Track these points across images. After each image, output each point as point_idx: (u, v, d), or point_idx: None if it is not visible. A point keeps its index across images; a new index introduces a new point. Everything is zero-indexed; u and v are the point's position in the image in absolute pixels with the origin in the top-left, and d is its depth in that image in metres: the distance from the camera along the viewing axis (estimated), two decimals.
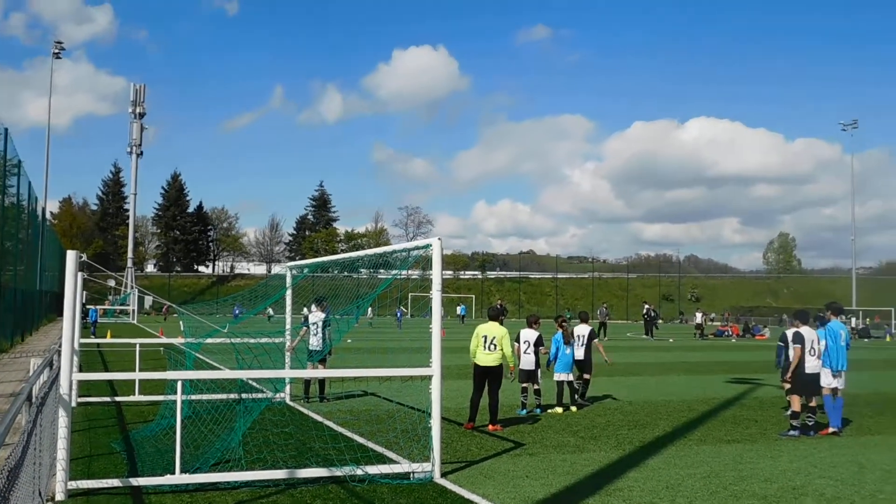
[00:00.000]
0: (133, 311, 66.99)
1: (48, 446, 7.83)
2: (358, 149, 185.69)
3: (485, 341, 12.64)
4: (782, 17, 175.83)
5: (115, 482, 8.16)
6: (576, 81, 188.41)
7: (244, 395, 13.83)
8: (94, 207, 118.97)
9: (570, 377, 15.02)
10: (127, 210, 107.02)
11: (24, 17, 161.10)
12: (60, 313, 9.80)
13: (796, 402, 12.57)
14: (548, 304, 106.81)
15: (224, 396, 13.18)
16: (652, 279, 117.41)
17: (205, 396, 12.72)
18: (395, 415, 13.32)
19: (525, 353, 14.25)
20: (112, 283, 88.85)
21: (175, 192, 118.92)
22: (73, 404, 11.42)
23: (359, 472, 8.77)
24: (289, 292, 15.47)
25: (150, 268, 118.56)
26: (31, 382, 7.73)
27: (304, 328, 15.67)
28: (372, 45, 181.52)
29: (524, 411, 14.23)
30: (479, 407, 12.70)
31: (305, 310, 15.83)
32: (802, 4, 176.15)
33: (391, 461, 9.60)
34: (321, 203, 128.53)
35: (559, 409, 14.55)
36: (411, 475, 8.89)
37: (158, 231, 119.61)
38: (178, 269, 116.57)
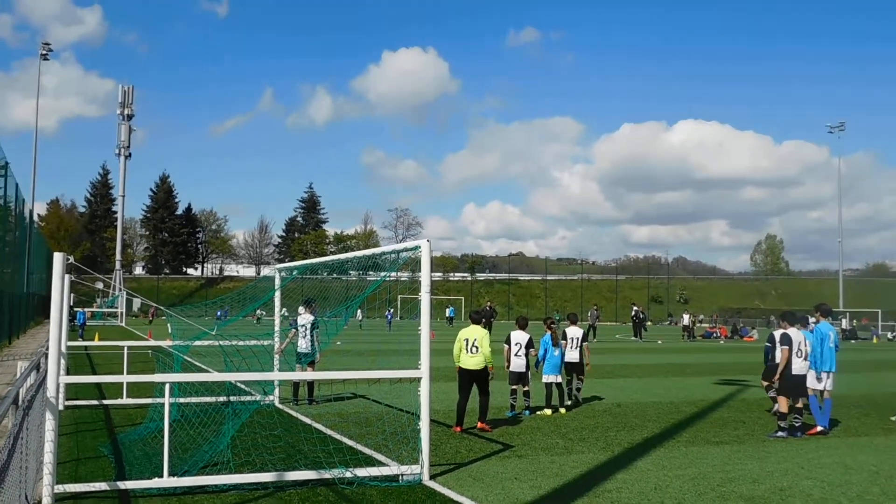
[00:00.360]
0: (121, 313, 66.73)
1: (35, 450, 7.80)
2: (347, 151, 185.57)
3: (467, 344, 12.68)
4: (770, 20, 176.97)
5: (103, 486, 8.13)
6: (565, 84, 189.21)
7: (233, 398, 13.83)
8: (82, 210, 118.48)
9: (559, 379, 15.05)
10: (115, 212, 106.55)
11: (11, 18, 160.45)
12: (47, 316, 9.75)
13: (784, 404, 12.64)
14: (537, 306, 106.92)
15: (213, 399, 13.15)
16: (641, 281, 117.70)
17: (193, 399, 12.68)
18: (384, 417, 13.32)
19: (516, 355, 14.26)
20: (100, 285, 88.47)
21: (164, 195, 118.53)
22: (61, 407, 11.35)
23: (348, 474, 8.76)
24: (278, 294, 15.44)
25: (138, 270, 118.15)
26: (18, 385, 7.68)
27: (293, 330, 15.64)
28: (362, 46, 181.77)
29: (512, 413, 14.25)
30: (466, 411, 12.72)
31: (284, 310, 15.78)
32: (790, 8, 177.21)
33: (380, 463, 9.60)
34: (310, 205, 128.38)
35: (548, 411, 14.58)
36: (400, 477, 8.89)
37: (147, 233, 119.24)
38: (167, 271, 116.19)
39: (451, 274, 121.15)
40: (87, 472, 9.09)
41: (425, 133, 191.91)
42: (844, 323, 61.28)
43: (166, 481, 8.15)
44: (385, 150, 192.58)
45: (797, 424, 12.65)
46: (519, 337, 14.36)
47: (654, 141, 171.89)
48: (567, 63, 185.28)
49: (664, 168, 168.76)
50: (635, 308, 53.50)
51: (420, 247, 9.37)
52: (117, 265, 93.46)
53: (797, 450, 11.41)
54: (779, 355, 13.36)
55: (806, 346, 12.92)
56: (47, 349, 8.76)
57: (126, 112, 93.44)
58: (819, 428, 12.88)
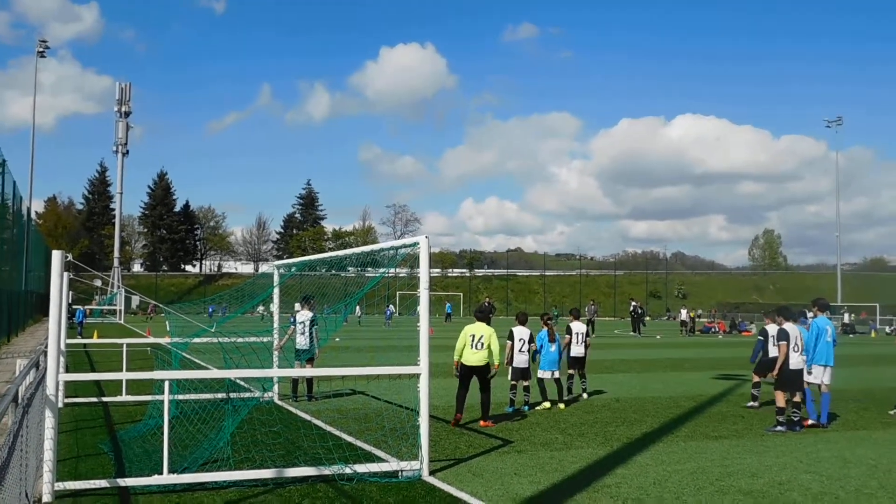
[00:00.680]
0: (120, 310, 66.71)
1: (35, 447, 7.80)
2: (345, 147, 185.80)
3: (472, 340, 12.69)
4: (769, 15, 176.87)
5: (103, 483, 8.14)
6: (563, 79, 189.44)
7: (232, 395, 13.83)
8: (80, 207, 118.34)
9: (557, 374, 15.07)
10: (113, 209, 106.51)
11: (8, 16, 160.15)
12: (46, 314, 9.75)
13: (780, 398, 12.66)
14: (535, 301, 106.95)
15: (212, 396, 13.16)
16: (639, 276, 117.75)
17: (192, 396, 12.69)
18: (383, 413, 13.33)
19: (520, 351, 14.30)
20: (98, 282, 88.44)
21: (161, 192, 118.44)
22: (60, 405, 11.36)
23: (347, 470, 8.77)
24: (276, 291, 15.45)
25: (136, 267, 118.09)
26: (17, 383, 7.68)
27: (292, 327, 15.65)
28: (359, 43, 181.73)
29: (512, 408, 14.29)
30: (465, 402, 12.76)
31: (297, 304, 15.80)
32: (789, 4, 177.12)
33: (379, 459, 9.61)
34: (309, 201, 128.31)
35: (547, 404, 14.63)
36: (400, 473, 8.90)
37: (145, 230, 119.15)
38: (165, 268, 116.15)
39: (450, 270, 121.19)
40: (87, 469, 9.10)
41: (423, 129, 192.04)
42: (847, 318, 61.31)
43: (166, 478, 8.16)
44: (383, 146, 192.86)
45: (795, 419, 12.68)
46: (522, 332, 14.39)
47: (653, 136, 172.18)
48: (565, 58, 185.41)
49: (662, 163, 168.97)
50: (634, 303, 53.52)
51: (418, 243, 9.37)
52: (115, 262, 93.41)
53: (796, 444, 11.44)
54: (772, 350, 13.40)
55: (801, 340, 12.95)
56: (46, 347, 8.76)
57: (123, 109, 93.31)
58: (811, 421, 12.93)
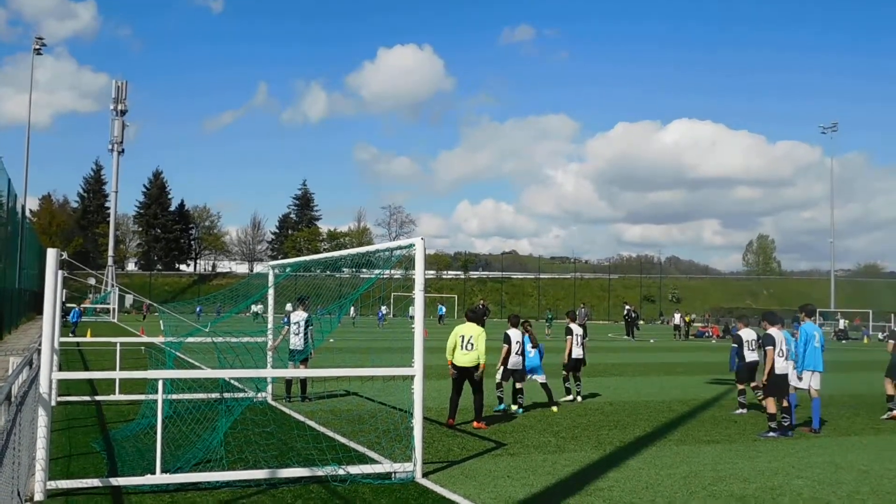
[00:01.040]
0: (113, 309, 66.56)
1: (27, 446, 7.79)
2: (341, 147, 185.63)
3: (462, 341, 12.72)
4: (765, 22, 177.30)
5: (95, 482, 8.13)
6: (560, 81, 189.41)
7: (226, 395, 13.81)
8: (75, 205, 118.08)
9: (542, 379, 15.05)
10: (108, 208, 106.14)
11: (4, 12, 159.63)
12: (40, 312, 9.73)
13: (772, 405, 12.70)
14: (529, 304, 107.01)
15: (205, 396, 13.14)
16: (633, 280, 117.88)
17: (186, 396, 12.66)
18: (377, 415, 13.33)
19: (516, 353, 14.33)
20: (92, 281, 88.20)
21: (157, 190, 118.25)
22: (53, 403, 11.35)
23: (340, 471, 8.78)
24: (271, 291, 15.43)
25: (130, 266, 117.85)
26: (11, 381, 7.68)
27: (286, 327, 15.64)
28: (357, 43, 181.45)
29: (502, 407, 14.32)
30: (458, 405, 12.79)
31: (289, 305, 15.81)
32: (784, 9, 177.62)
33: (373, 461, 9.62)
34: (304, 202, 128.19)
35: (513, 408, 14.66)
36: (393, 475, 8.91)
37: (140, 229, 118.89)
38: (160, 267, 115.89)
39: (444, 272, 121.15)
40: (80, 468, 9.09)
41: (419, 130, 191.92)
42: (842, 323, 61.43)
43: (159, 478, 8.16)
44: (379, 147, 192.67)
45: (786, 423, 12.73)
46: (516, 335, 14.43)
47: (648, 140, 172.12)
48: (562, 61, 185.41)
49: (658, 167, 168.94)
50: (627, 307, 53.62)
51: (414, 245, 9.38)
52: (110, 261, 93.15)
53: (788, 449, 11.47)
54: (748, 354, 13.45)
55: (786, 345, 13.04)
56: (40, 345, 8.75)
57: (119, 108, 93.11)
58: (805, 429, 13.02)
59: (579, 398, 16.37)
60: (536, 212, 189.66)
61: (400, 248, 10.11)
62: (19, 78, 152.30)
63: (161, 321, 29.50)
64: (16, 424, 6.35)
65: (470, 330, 12.80)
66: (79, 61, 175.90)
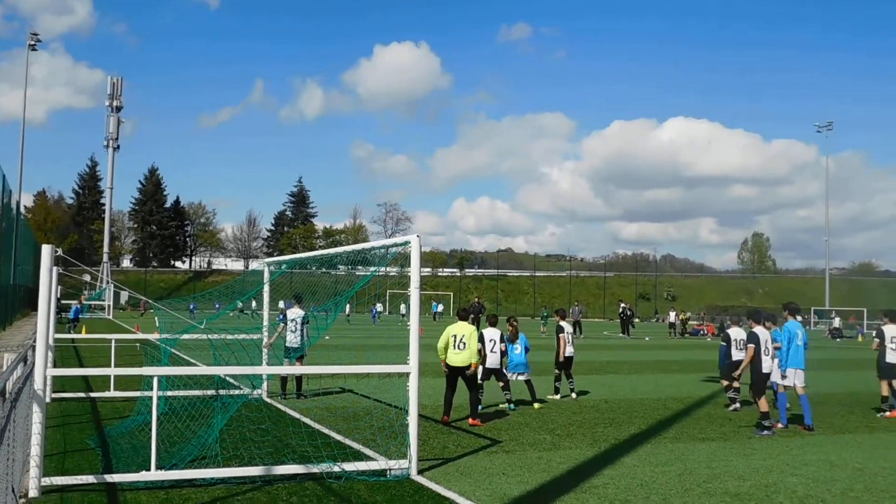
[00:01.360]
0: (109, 306, 66.42)
1: (22, 442, 7.78)
2: (337, 145, 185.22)
3: (455, 340, 12.73)
4: (761, 21, 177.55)
5: (90, 479, 8.12)
6: (557, 80, 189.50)
7: (221, 392, 13.80)
8: (70, 201, 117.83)
9: (525, 376, 15.04)
10: (103, 204, 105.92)
11: (0, 8, 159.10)
12: (34, 308, 9.71)
13: (763, 403, 12.76)
14: (525, 302, 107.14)
15: (201, 393, 13.13)
16: (629, 278, 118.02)
17: (181, 393, 12.66)
18: (372, 412, 13.33)
19: (492, 351, 14.25)
20: (87, 277, 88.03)
21: (152, 187, 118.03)
22: (48, 400, 11.34)
23: (335, 469, 8.78)
24: (266, 288, 15.43)
25: (126, 263, 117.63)
26: (5, 378, 7.65)
27: (282, 325, 15.63)
28: (353, 40, 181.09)
29: (512, 406, 14.37)
30: (453, 402, 12.80)
31: (282, 303, 15.80)
32: (782, 8, 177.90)
33: (368, 458, 9.62)
34: (300, 199, 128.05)
35: (503, 405, 14.67)
36: (388, 472, 8.91)
37: (135, 226, 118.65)
38: (155, 264, 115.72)
39: (440, 269, 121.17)
40: (74, 464, 9.08)
41: (416, 128, 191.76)
42: (837, 322, 61.56)
43: (154, 474, 8.15)
44: (375, 144, 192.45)
45: (766, 423, 12.85)
46: (492, 333, 14.35)
47: (645, 138, 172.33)
48: (559, 59, 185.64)
49: (654, 165, 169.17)
50: (623, 305, 53.68)
51: (410, 242, 9.38)
52: (105, 257, 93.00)
53: (782, 447, 11.50)
54: (735, 353, 13.54)
55: (771, 344, 13.13)
56: (34, 341, 8.73)
57: (115, 104, 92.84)
58: (780, 424, 13.10)
59: (573, 395, 16.39)
60: (532, 210, 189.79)
61: (395, 245, 10.11)
62: (14, 74, 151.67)
63: (156, 318, 29.46)
64: (10, 421, 6.34)
65: (462, 329, 12.81)
66: (74, 57, 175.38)
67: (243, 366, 12.02)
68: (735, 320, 14.75)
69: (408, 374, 9.24)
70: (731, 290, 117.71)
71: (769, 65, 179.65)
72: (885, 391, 14.96)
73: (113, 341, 16.32)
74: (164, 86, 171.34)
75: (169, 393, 11.87)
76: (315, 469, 8.77)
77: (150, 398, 8.62)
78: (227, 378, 16.11)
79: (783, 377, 13.27)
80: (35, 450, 7.58)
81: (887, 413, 14.72)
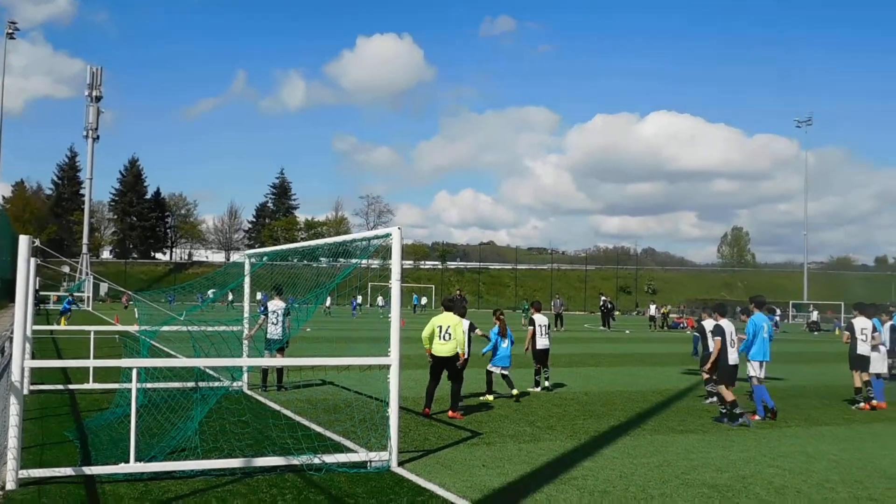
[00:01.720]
0: (88, 297, 65.93)
1: None
2: (320, 137, 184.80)
3: (440, 331, 12.74)
4: (743, 15, 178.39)
5: (68, 471, 8.07)
6: (540, 73, 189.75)
7: (201, 384, 13.74)
8: (49, 192, 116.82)
9: (507, 371, 15.04)
10: (83, 195, 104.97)
11: None
12: (12, 300, 9.62)
13: (728, 393, 12.96)
14: (507, 294, 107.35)
15: (180, 385, 13.07)
16: (610, 271, 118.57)
17: (161, 385, 12.60)
18: (353, 404, 13.33)
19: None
20: (66, 269, 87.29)
21: (132, 178, 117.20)
22: (25, 392, 11.23)
23: (316, 460, 8.77)
24: (247, 280, 15.37)
25: (105, 254, 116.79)
26: None
27: (263, 316, 15.58)
28: (336, 32, 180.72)
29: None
30: (434, 394, 12.83)
31: (259, 294, 15.76)
32: (763, 3, 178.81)
33: (348, 450, 9.62)
34: (281, 191, 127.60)
35: (490, 398, 14.68)
36: (368, 464, 8.92)
37: (115, 217, 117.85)
38: (135, 255, 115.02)
39: (422, 262, 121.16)
40: (52, 457, 9.02)
41: (399, 120, 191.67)
42: (815, 315, 62.14)
43: (133, 466, 8.11)
44: (358, 136, 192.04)
45: (737, 412, 13.02)
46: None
47: (627, 132, 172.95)
48: (542, 52, 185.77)
49: (636, 159, 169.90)
50: (603, 298, 53.96)
51: (391, 234, 9.37)
52: (84, 249, 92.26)
53: (760, 439, 11.61)
54: (711, 345, 13.72)
55: (737, 336, 13.40)
56: (11, 333, 8.67)
57: (94, 94, 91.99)
58: (757, 417, 13.31)
59: (547, 383, 16.38)
60: (515, 203, 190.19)
61: (377, 237, 10.10)
62: None
63: (136, 309, 29.26)
64: None
65: (447, 320, 12.82)
66: (54, 46, 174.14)
67: (223, 358, 11.96)
68: (708, 313, 14.87)
69: (389, 367, 9.24)
70: (712, 283, 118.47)
71: (751, 59, 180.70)
72: (857, 383, 15.17)
73: (92, 333, 16.20)
74: (145, 76, 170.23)
75: (148, 385, 11.81)
76: (295, 461, 8.76)
77: (129, 390, 8.57)
78: (207, 370, 16.04)
79: (753, 368, 13.52)
80: (12, 442, 7.52)
81: (862, 404, 14.92)
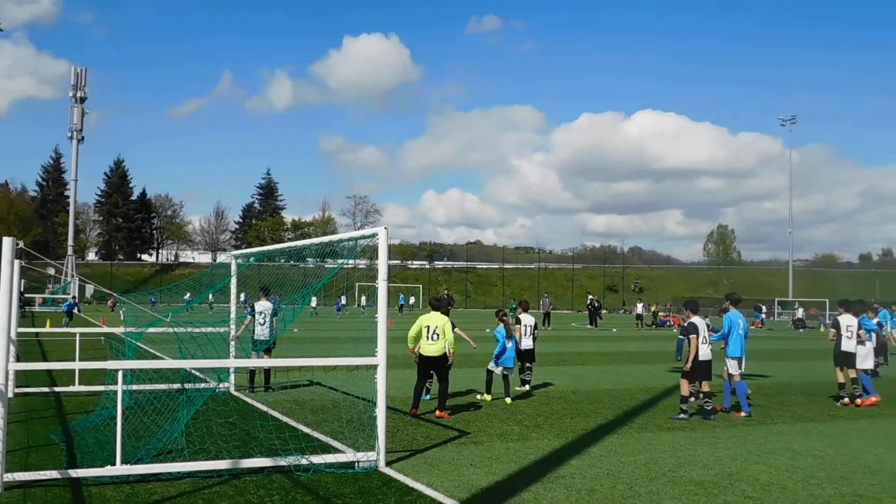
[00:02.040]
0: (74, 299, 65.39)
1: None
2: (306, 137, 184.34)
3: (428, 331, 12.73)
4: (728, 14, 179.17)
5: (54, 474, 8.02)
6: (526, 72, 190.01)
7: (187, 385, 13.70)
8: (34, 194, 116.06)
9: (510, 373, 15.01)
10: (68, 197, 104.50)
11: None
12: None
13: (685, 387, 13.19)
14: (494, 294, 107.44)
15: (167, 387, 13.02)
16: (596, 270, 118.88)
17: (147, 387, 12.54)
18: (340, 404, 13.32)
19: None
20: (52, 271, 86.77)
21: (118, 179, 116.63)
22: (10, 395, 11.17)
23: (303, 461, 8.75)
24: (234, 281, 15.32)
25: (91, 256, 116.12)
26: None
27: (249, 317, 15.53)
28: (323, 31, 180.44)
29: (428, 397, 14.16)
30: (422, 395, 12.83)
31: (242, 295, 15.70)
32: (748, 3, 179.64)
33: (336, 450, 9.60)
34: (268, 191, 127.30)
35: (487, 397, 14.67)
36: (356, 464, 8.91)
37: (100, 218, 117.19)
38: (121, 257, 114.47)
39: (410, 262, 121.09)
40: (38, 460, 8.96)
41: (386, 119, 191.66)
42: (800, 312, 62.44)
43: (119, 469, 8.07)
44: (345, 136, 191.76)
45: (708, 408, 13.12)
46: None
47: (613, 131, 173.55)
48: (528, 51, 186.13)
49: (622, 158, 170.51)
50: (590, 297, 54.09)
51: (377, 234, 9.36)
52: (69, 251, 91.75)
53: (746, 436, 11.67)
54: (689, 343, 13.83)
55: (709, 332, 13.59)
56: None
57: (79, 94, 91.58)
58: (743, 413, 13.45)
59: (527, 387, 16.23)
60: (502, 202, 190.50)
61: (363, 237, 10.09)
62: None
63: (122, 311, 29.13)
64: None
65: (435, 320, 12.81)
66: (38, 47, 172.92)
67: (210, 359, 11.92)
68: (695, 310, 14.94)
69: (376, 367, 9.24)
70: (698, 281, 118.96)
71: (736, 58, 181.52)
72: (840, 379, 15.29)
73: (77, 335, 16.12)
74: (130, 76, 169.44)
75: (134, 387, 11.76)
76: (283, 462, 8.74)
77: (115, 392, 8.52)
78: (194, 372, 15.98)
79: (731, 366, 13.71)
80: None
81: (845, 400, 15.04)
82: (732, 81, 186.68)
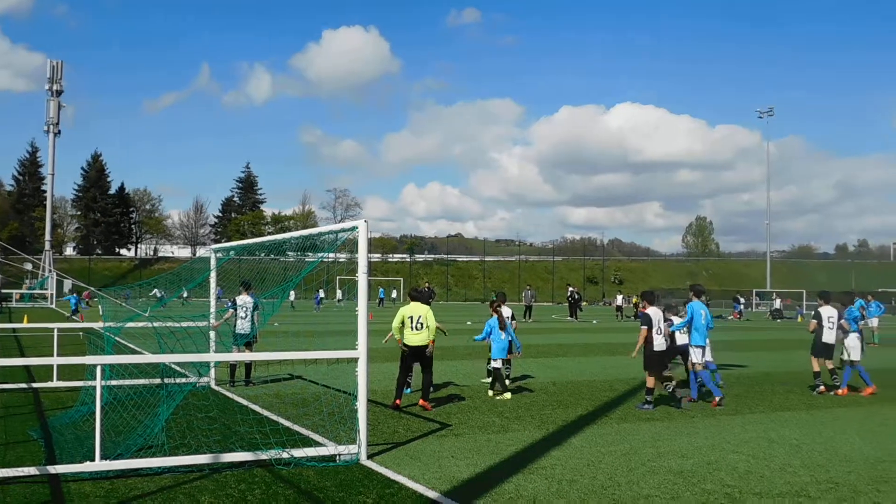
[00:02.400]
0: (51, 295, 64.92)
1: None
2: (286, 130, 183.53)
3: (412, 321, 12.76)
4: (707, 7, 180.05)
5: (32, 470, 7.96)
6: (506, 65, 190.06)
7: (167, 380, 13.62)
8: (10, 188, 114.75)
9: (505, 366, 15.03)
10: (44, 191, 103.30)
11: None
12: None
13: (651, 380, 13.33)
14: (475, 286, 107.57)
15: (146, 381, 12.95)
16: (577, 262, 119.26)
17: (126, 382, 12.46)
18: (321, 397, 13.31)
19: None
20: (29, 266, 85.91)
21: (95, 173, 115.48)
22: None
23: (284, 455, 8.75)
24: (213, 275, 15.25)
25: (69, 251, 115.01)
26: None
27: (230, 311, 15.47)
28: (302, 24, 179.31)
29: (409, 390, 14.11)
30: (404, 387, 12.86)
31: (218, 289, 15.64)
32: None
33: (317, 444, 9.61)
34: (248, 185, 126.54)
35: (496, 392, 14.57)
36: (337, 457, 8.92)
37: (78, 213, 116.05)
38: (99, 251, 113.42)
39: (390, 255, 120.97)
40: (16, 456, 8.90)
41: (366, 113, 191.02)
42: (777, 303, 62.98)
43: (98, 465, 8.03)
44: (324, 129, 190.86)
45: (670, 391, 13.40)
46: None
47: (593, 124, 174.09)
48: (508, 44, 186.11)
49: (602, 151, 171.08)
50: (571, 289, 54.27)
51: (357, 227, 9.36)
52: (47, 245, 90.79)
53: (724, 425, 11.78)
54: (678, 336, 14.01)
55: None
56: None
57: (55, 88, 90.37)
58: (690, 398, 13.76)
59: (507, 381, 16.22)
60: (482, 195, 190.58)
61: (343, 230, 10.07)
62: None
63: (100, 306, 28.91)
64: None
65: (418, 310, 12.83)
66: (12, 39, 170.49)
67: (190, 353, 11.87)
68: (651, 301, 15.05)
69: (357, 360, 9.24)
70: (677, 273, 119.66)
71: (714, 51, 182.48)
72: (816, 367, 15.47)
73: (55, 330, 15.99)
74: (107, 69, 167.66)
75: (113, 382, 11.68)
76: (264, 456, 8.74)
77: (94, 388, 8.48)
78: (174, 366, 15.90)
79: (695, 356, 14.00)
80: None
81: (821, 388, 15.22)
82: (710, 75, 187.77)
